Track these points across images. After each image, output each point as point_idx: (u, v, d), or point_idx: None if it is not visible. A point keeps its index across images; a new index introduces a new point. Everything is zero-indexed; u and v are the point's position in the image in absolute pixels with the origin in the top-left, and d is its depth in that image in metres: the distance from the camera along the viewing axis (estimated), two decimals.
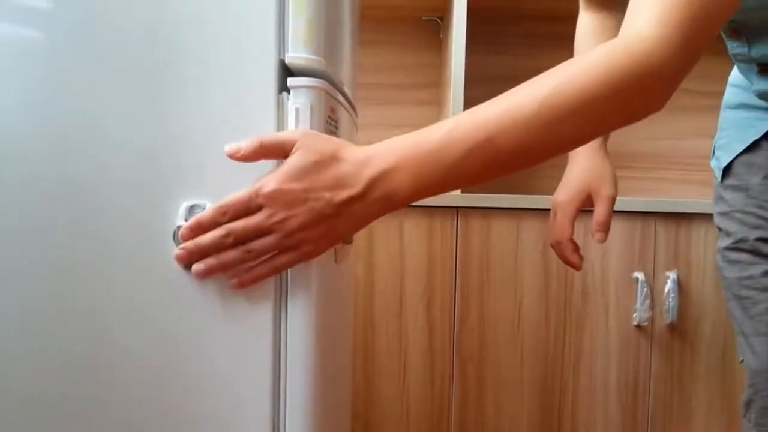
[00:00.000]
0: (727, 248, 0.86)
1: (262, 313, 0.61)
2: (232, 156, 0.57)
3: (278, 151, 0.57)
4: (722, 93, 1.82)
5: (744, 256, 0.83)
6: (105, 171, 0.60)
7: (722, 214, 0.88)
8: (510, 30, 1.83)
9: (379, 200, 0.56)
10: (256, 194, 0.56)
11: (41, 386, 0.61)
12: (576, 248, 0.87)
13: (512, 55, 1.82)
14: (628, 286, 1.42)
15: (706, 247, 1.43)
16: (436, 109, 1.81)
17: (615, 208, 0.91)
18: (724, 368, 1.44)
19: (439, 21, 1.79)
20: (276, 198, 0.55)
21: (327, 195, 0.55)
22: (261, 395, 0.61)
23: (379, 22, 1.80)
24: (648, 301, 1.41)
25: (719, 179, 0.89)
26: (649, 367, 1.44)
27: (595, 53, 0.56)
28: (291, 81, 0.60)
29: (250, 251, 0.57)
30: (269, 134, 0.58)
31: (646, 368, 1.44)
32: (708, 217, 1.42)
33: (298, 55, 0.60)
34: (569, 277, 1.42)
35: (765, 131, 0.85)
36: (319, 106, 0.61)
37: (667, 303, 1.41)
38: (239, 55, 0.60)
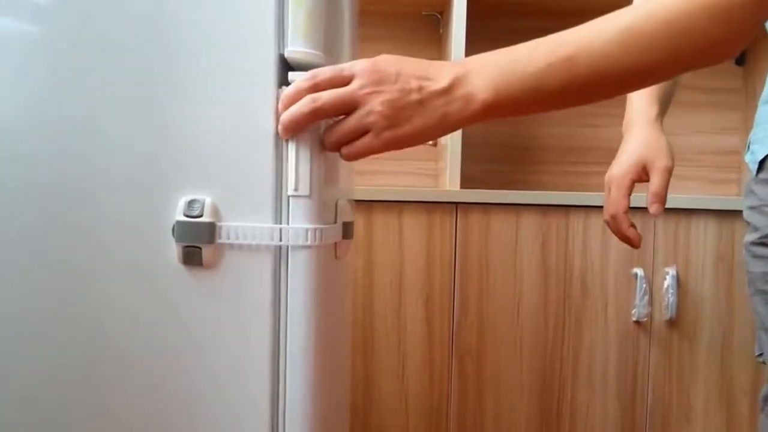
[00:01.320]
0: (754, 243, 0.84)
1: (261, 310, 0.60)
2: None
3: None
4: (718, 90, 1.82)
5: None
6: (104, 171, 0.60)
7: (752, 207, 0.87)
8: (510, 25, 1.83)
9: (459, 99, 0.58)
10: (349, 67, 0.58)
11: (39, 389, 0.61)
12: (632, 223, 0.86)
13: None
14: (627, 282, 1.43)
15: (705, 244, 1.43)
16: None
17: None
18: (723, 364, 1.45)
19: (438, 16, 1.78)
20: (369, 71, 0.57)
21: (415, 82, 0.58)
22: (259, 396, 0.61)
23: (379, 17, 1.80)
24: (647, 297, 1.41)
25: (754, 173, 0.88)
26: (648, 363, 1.44)
27: None
28: (291, 75, 0.59)
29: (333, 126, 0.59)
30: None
31: (644, 364, 1.44)
32: (707, 213, 1.42)
33: (297, 49, 0.60)
34: (568, 272, 1.42)
35: None
36: None
37: (666, 299, 1.41)
38: (238, 50, 0.59)
